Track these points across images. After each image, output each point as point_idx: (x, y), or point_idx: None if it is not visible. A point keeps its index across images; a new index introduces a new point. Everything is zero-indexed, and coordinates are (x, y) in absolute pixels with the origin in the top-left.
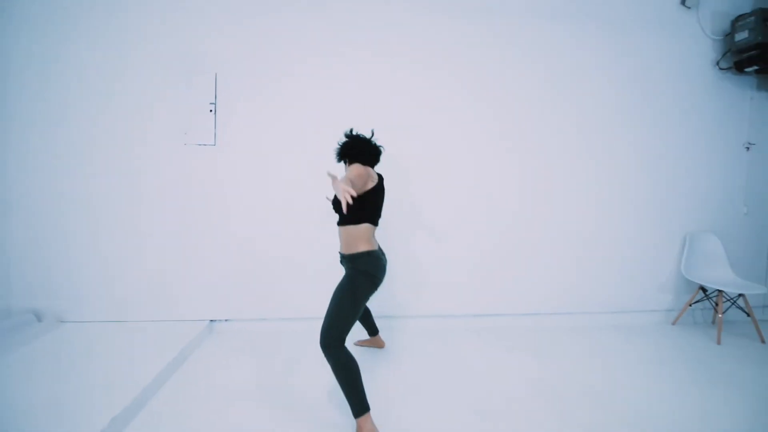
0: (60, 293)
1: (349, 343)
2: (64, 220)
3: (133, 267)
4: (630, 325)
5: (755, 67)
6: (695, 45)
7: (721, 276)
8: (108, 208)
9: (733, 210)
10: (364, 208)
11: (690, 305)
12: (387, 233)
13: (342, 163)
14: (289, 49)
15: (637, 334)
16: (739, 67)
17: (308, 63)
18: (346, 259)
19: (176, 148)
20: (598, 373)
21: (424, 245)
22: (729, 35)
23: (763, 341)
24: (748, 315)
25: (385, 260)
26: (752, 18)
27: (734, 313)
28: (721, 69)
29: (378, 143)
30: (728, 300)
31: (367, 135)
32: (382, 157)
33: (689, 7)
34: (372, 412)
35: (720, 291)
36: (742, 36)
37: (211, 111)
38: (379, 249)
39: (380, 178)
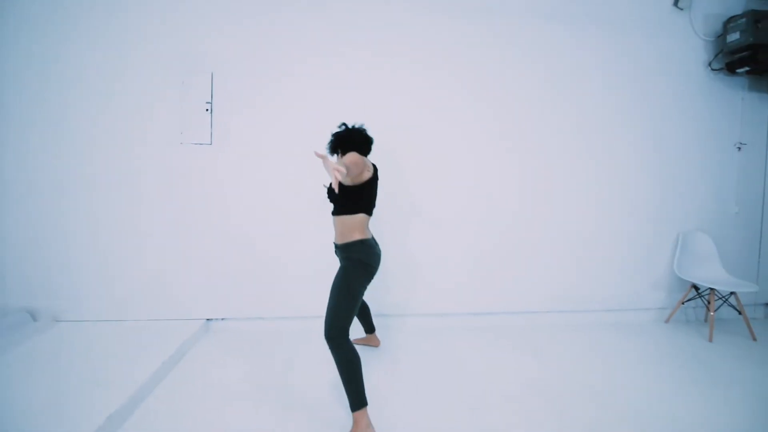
0: (57, 292)
1: None
2: (63, 220)
3: (130, 266)
4: (624, 323)
5: (746, 68)
6: (688, 46)
7: (713, 274)
8: (107, 208)
9: (724, 209)
10: (360, 198)
11: (683, 303)
12: (387, 233)
13: (335, 155)
14: (289, 49)
15: (631, 332)
16: (730, 68)
17: (308, 63)
18: (341, 249)
19: (175, 147)
20: (595, 371)
21: (423, 245)
22: (721, 36)
23: (754, 339)
24: (740, 313)
25: (379, 250)
26: (743, 20)
27: (726, 311)
28: (713, 70)
29: (369, 134)
30: (720, 298)
31: (358, 126)
32: (382, 157)
33: (682, 9)
34: (368, 408)
35: (712, 289)
36: (733, 37)
37: (207, 110)
38: (373, 238)
39: (375, 168)
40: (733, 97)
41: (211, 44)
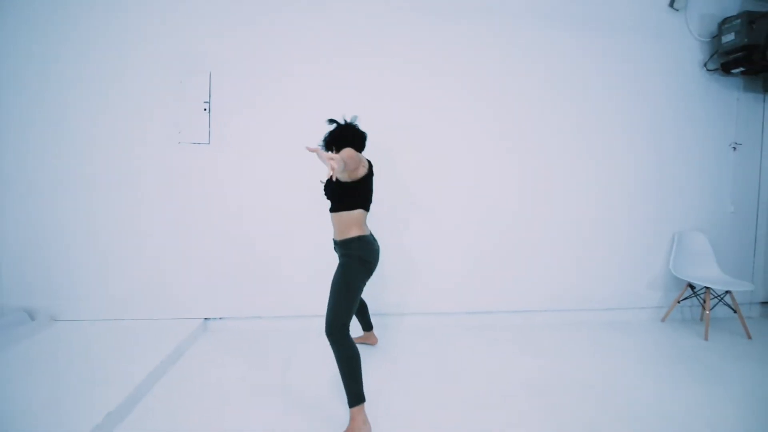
0: (56, 292)
1: None
2: (62, 220)
3: (129, 265)
4: (621, 322)
5: (741, 69)
6: (683, 47)
7: (709, 273)
8: (106, 208)
9: (720, 209)
10: (357, 194)
11: (678, 302)
12: (387, 232)
13: (330, 152)
14: (288, 49)
15: (628, 330)
16: (725, 69)
17: (307, 63)
18: (339, 245)
19: (174, 147)
20: (592, 369)
21: (423, 244)
22: (716, 37)
23: (749, 337)
24: (735, 311)
25: (378, 246)
26: (738, 21)
27: (721, 310)
28: (708, 70)
29: (362, 129)
30: (715, 297)
31: (351, 122)
32: (382, 157)
33: (677, 10)
34: (365, 405)
35: (707, 288)
36: (728, 38)
37: (205, 110)
38: (371, 235)
39: (370, 164)
40: (728, 97)
41: (211, 44)
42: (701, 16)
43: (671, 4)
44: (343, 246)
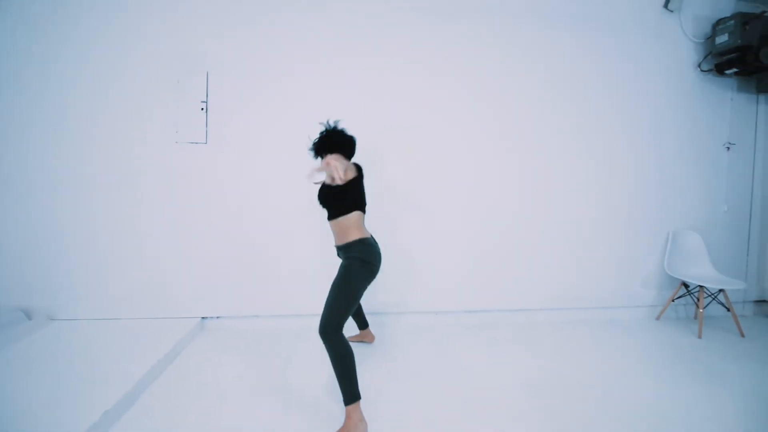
0: (54, 291)
1: None
2: (64, 220)
3: (127, 265)
4: (617, 321)
5: (735, 70)
6: (678, 48)
7: (703, 272)
8: (106, 208)
9: (714, 208)
10: (346, 197)
11: (672, 301)
12: (387, 232)
13: (319, 158)
14: (288, 49)
15: (623, 329)
16: (719, 70)
17: (307, 63)
18: (342, 250)
19: (172, 147)
20: (588, 368)
21: (423, 244)
22: (710, 38)
23: (742, 335)
24: (728, 310)
25: (379, 249)
26: (732, 22)
27: (715, 308)
28: (702, 71)
29: (349, 133)
30: (709, 295)
31: (337, 127)
32: (382, 156)
33: (672, 11)
34: (362, 404)
35: (701, 287)
36: (722, 39)
37: (202, 110)
38: (372, 238)
39: (358, 167)
40: (722, 97)
41: (211, 44)
42: (695, 18)
43: (666, 5)
44: (345, 250)
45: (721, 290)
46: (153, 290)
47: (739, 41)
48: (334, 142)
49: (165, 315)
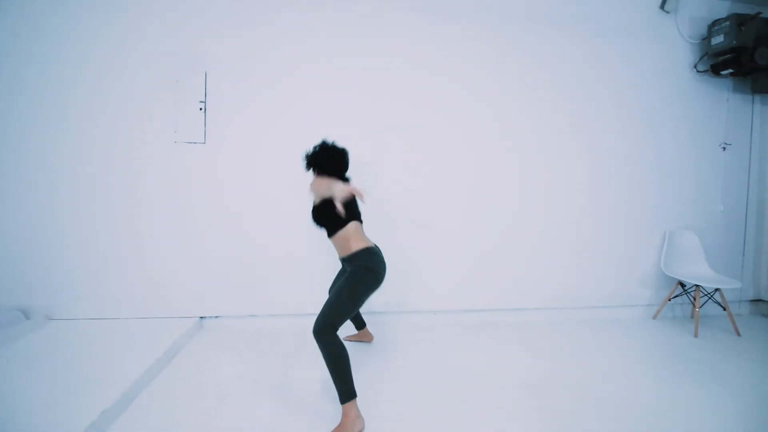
0: (54, 292)
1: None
2: (64, 220)
3: (127, 264)
4: (614, 320)
5: (730, 70)
6: (675, 49)
7: (699, 271)
8: (105, 208)
9: (710, 208)
10: (331, 214)
11: (669, 300)
12: (387, 231)
13: (310, 170)
14: (288, 49)
15: (622, 328)
16: (715, 70)
17: (307, 63)
18: (346, 261)
19: (170, 147)
20: (586, 367)
21: (423, 244)
22: (706, 39)
23: (738, 334)
24: (724, 309)
25: (383, 257)
26: (727, 23)
27: (711, 308)
28: (698, 72)
29: (340, 148)
30: (705, 295)
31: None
32: (382, 157)
33: (668, 12)
34: (359, 403)
35: (697, 286)
36: (717, 40)
37: (200, 109)
38: (376, 246)
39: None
40: (718, 98)
41: (211, 44)
42: (691, 19)
43: (662, 7)
44: (349, 260)
45: (717, 289)
46: (151, 290)
47: (735, 42)
48: (327, 158)
49: (163, 314)
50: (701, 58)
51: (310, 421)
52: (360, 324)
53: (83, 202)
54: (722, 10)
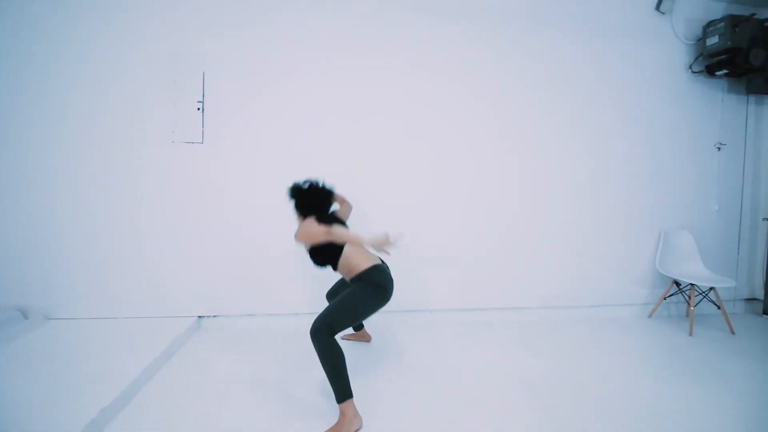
0: (54, 291)
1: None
2: (63, 220)
3: (126, 264)
4: (610, 319)
5: (725, 71)
6: (670, 49)
7: (694, 270)
8: (105, 208)
9: (705, 207)
10: (327, 248)
11: (665, 299)
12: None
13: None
14: (288, 49)
15: (616, 327)
16: (710, 71)
17: (307, 63)
18: (356, 281)
19: (168, 146)
20: (584, 366)
21: (423, 244)
22: (701, 40)
23: (732, 333)
24: (719, 308)
25: (390, 274)
26: (722, 24)
27: (706, 306)
28: (693, 72)
29: (322, 188)
30: (700, 293)
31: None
32: (382, 157)
33: (663, 13)
34: (358, 402)
35: (692, 285)
36: (712, 41)
37: (198, 109)
38: (383, 263)
39: (332, 218)
40: (713, 98)
41: (211, 44)
42: (687, 20)
43: (657, 7)
44: (358, 280)
45: (711, 288)
46: (150, 289)
47: (729, 43)
48: (304, 202)
49: (162, 314)
50: (696, 59)
51: (307, 419)
52: (358, 324)
53: (83, 201)
54: (717, 11)
